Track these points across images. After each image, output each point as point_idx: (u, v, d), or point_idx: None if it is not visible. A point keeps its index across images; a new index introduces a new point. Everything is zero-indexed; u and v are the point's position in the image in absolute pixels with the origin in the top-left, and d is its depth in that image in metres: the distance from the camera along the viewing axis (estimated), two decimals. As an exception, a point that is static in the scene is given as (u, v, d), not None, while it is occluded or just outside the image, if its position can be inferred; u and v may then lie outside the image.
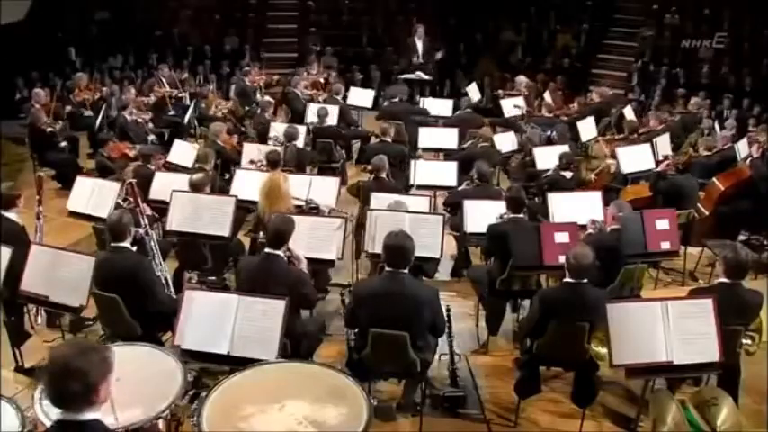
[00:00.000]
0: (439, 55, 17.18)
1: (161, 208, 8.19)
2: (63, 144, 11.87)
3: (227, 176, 10.07)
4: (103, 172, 10.36)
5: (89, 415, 3.14)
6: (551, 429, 6.08)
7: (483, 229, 7.57)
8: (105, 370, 3.17)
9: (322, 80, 15.62)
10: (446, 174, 9.83)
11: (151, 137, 12.16)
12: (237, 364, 5.01)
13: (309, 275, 6.20)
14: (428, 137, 11.91)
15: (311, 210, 8.18)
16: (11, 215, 7.03)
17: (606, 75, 18.52)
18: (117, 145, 11.22)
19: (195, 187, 7.97)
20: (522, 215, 7.38)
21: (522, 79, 15.49)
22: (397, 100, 13.92)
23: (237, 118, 13.45)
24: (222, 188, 9.08)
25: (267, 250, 5.98)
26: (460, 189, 9.17)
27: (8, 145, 13.56)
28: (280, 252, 5.93)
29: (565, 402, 6.26)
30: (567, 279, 5.71)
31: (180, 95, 14.49)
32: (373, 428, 4.40)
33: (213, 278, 7.86)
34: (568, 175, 9.64)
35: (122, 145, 11.25)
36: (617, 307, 5.25)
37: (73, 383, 3.05)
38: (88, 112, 13.17)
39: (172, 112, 13.79)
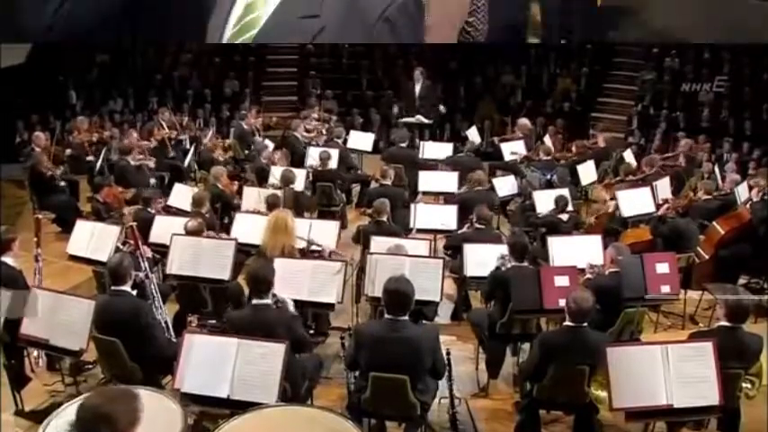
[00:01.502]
0: (442, 109, 17.26)
1: (161, 252, 8.20)
2: (63, 184, 11.87)
3: (226, 220, 10.09)
4: (97, 217, 10.32)
5: None
6: (551, 473, 6.06)
7: (483, 273, 7.59)
8: (133, 419, 3.21)
9: (322, 124, 15.64)
10: (446, 217, 9.79)
11: (153, 180, 12.13)
12: (238, 407, 4.99)
13: (299, 317, 6.22)
14: (428, 180, 11.92)
15: (312, 252, 8.19)
16: (7, 259, 6.96)
17: (606, 118, 18.46)
18: (111, 189, 11.15)
19: (191, 234, 7.98)
20: (525, 263, 7.37)
21: (524, 122, 15.43)
22: (404, 145, 13.89)
23: (237, 161, 13.50)
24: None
25: (254, 301, 5.95)
26: (460, 232, 9.18)
27: (9, 187, 13.60)
28: (268, 300, 5.92)
29: (565, 446, 6.25)
30: (568, 323, 5.71)
31: (180, 138, 14.50)
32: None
33: (213, 321, 7.84)
34: (565, 217, 9.67)
35: (116, 189, 11.20)
36: (617, 350, 5.26)
37: (101, 429, 3.07)
38: (89, 156, 13.16)
39: (172, 154, 13.77)
